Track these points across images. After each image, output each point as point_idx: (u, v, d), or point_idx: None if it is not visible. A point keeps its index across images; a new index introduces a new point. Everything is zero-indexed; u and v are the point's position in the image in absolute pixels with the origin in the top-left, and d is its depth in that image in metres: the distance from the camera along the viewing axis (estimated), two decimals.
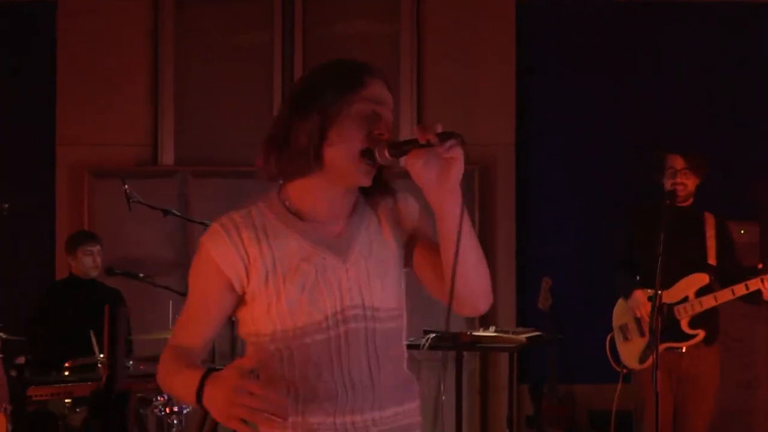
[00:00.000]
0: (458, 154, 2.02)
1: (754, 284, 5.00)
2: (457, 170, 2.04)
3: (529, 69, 7.13)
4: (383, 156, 2.10)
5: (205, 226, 5.03)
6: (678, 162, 5.23)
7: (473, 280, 2.16)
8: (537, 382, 6.81)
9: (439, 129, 2.02)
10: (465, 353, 5.80)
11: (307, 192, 2.19)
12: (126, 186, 5.78)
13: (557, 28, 7.18)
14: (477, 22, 7.10)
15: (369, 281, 2.19)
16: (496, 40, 7.09)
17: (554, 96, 7.16)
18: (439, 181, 2.06)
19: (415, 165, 2.06)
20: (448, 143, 2.01)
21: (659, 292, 4.74)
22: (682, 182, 5.22)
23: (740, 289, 5.04)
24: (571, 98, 7.13)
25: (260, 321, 2.17)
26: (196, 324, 2.22)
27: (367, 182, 2.17)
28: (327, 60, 2.21)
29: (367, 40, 7.09)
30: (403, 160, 2.10)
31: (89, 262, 6.20)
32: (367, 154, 2.12)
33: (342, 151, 2.12)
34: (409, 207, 2.30)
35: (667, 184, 5.23)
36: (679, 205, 5.22)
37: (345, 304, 2.16)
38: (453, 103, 7.08)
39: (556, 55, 7.16)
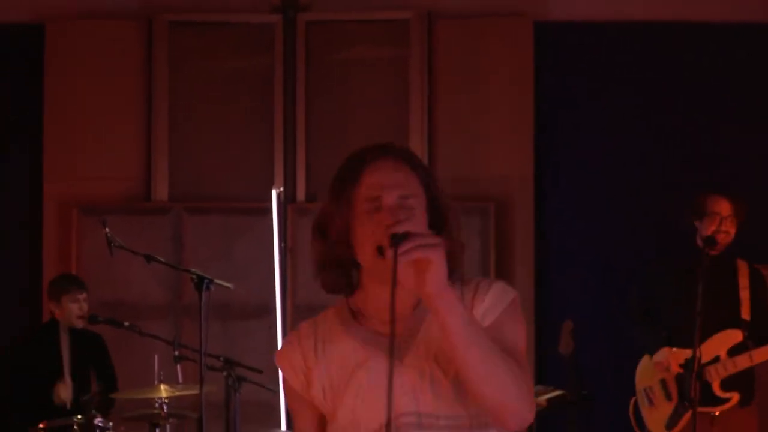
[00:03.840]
0: (419, 255, 1.88)
1: None
2: (433, 273, 1.89)
3: (550, 95, 6.67)
4: (388, 251, 1.96)
5: (192, 274, 4.75)
6: (724, 207, 4.77)
7: (491, 397, 1.96)
8: None
9: (398, 228, 1.93)
10: None
11: (365, 291, 2.11)
12: (107, 229, 5.36)
13: (580, 51, 6.72)
14: (493, 45, 6.67)
15: (426, 385, 2.04)
16: (513, 64, 6.65)
17: (577, 124, 6.68)
18: (418, 285, 1.92)
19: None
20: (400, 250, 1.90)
21: (697, 353, 4.37)
22: (727, 231, 4.76)
23: None
24: (596, 127, 6.65)
25: None
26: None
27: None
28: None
29: (374, 66, 6.69)
30: None
31: (75, 310, 5.85)
32: (379, 251, 2.00)
33: (362, 254, 2.04)
34: (485, 300, 2.09)
35: (708, 230, 4.75)
36: (711, 253, 4.75)
37: (398, 412, 2.01)
38: (466, 132, 6.67)
39: (579, 80, 6.69)
